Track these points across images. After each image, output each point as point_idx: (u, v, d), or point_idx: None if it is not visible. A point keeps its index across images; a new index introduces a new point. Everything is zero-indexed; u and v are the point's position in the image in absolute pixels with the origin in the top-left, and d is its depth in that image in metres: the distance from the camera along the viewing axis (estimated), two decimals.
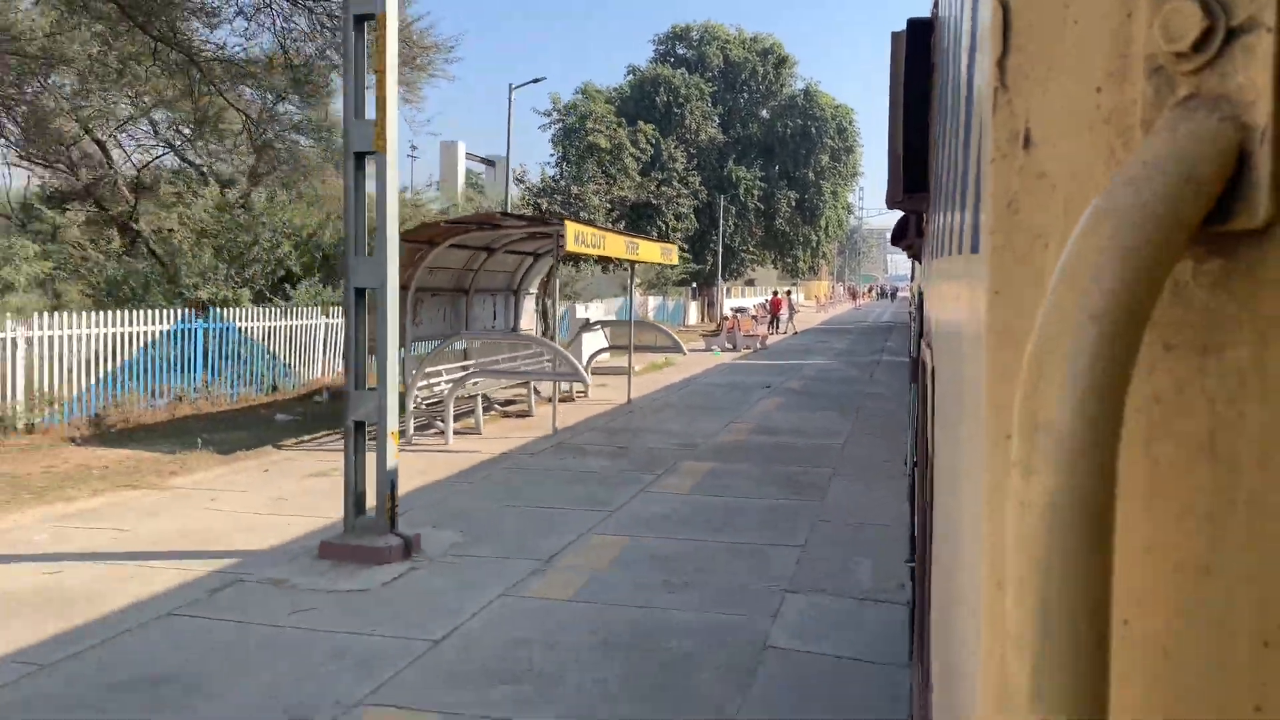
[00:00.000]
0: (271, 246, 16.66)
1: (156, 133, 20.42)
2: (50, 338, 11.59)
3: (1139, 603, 0.48)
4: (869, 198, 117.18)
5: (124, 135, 20.33)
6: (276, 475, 9.93)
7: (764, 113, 47.69)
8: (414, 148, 43.35)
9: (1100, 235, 0.42)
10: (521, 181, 27.67)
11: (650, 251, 14.77)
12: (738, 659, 5.11)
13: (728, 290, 47.53)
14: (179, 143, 20.56)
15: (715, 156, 44.60)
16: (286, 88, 15.52)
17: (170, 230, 17.31)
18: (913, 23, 2.12)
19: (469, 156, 43.98)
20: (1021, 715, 0.40)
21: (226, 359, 14.48)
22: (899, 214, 4.66)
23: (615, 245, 13.07)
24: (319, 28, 15.14)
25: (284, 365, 15.67)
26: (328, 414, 13.90)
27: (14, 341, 11.14)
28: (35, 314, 11.51)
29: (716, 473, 10.20)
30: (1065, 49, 0.51)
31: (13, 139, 18.21)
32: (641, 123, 36.83)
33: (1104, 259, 0.41)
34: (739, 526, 7.93)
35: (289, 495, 8.97)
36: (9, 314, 11.21)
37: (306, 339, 16.25)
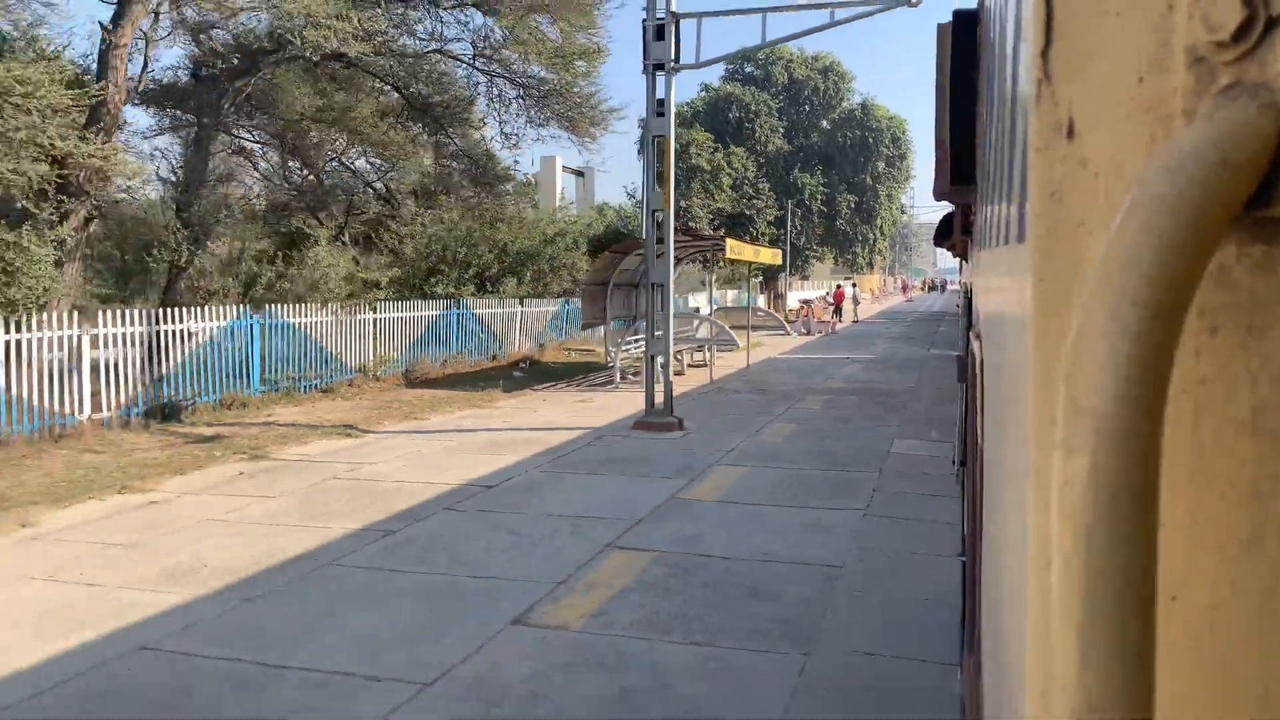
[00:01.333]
0: (480, 255, 22.58)
1: (353, 171, 26.41)
2: (385, 319, 17.57)
3: (1186, 578, 0.49)
4: (919, 196, 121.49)
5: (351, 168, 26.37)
6: (553, 403, 15.73)
7: (825, 124, 52.98)
8: (515, 162, 49.29)
9: (1139, 221, 0.42)
10: (633, 196, 33.77)
11: (766, 254, 20.40)
12: (876, 456, 10.75)
13: (789, 284, 52.98)
14: (378, 179, 26.56)
15: (782, 165, 50.05)
16: (494, 143, 21.45)
17: (399, 242, 23.24)
18: (959, 14, 2.14)
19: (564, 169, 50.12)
20: (1071, 684, 0.41)
21: (467, 335, 20.40)
22: (947, 209, 5.17)
23: (750, 252, 18.71)
24: (523, 107, 20.96)
25: (498, 341, 21.58)
26: (541, 374, 19.76)
27: (368, 321, 17.10)
28: (379, 302, 17.49)
29: (832, 401, 15.82)
30: (1107, 40, 0.52)
31: (284, 176, 24.26)
32: (734, 147, 42.61)
33: (1143, 244, 0.42)
34: (857, 422, 13.56)
35: (575, 411, 14.75)
36: (369, 303, 17.16)
37: (510, 322, 22.15)
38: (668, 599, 5.98)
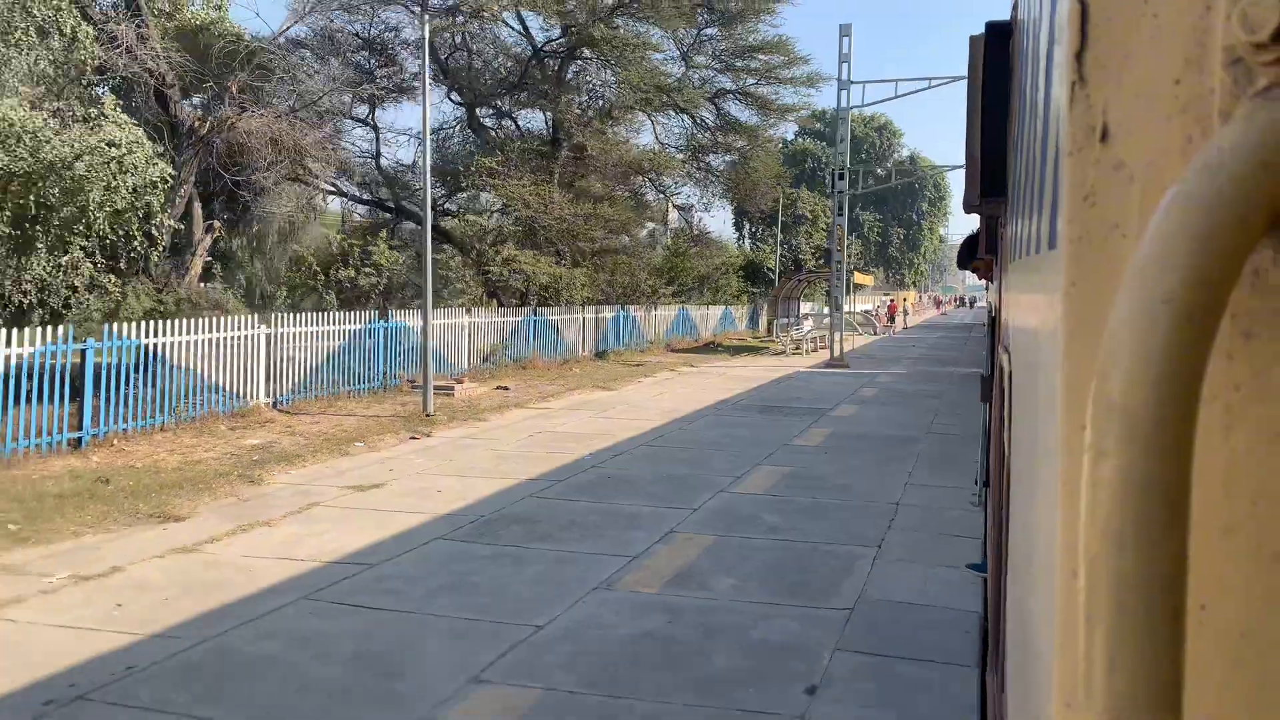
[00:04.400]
0: (680, 276, 36.05)
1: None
2: (660, 314, 30.98)
3: (1216, 587, 0.48)
4: (954, 227, 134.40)
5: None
6: (759, 360, 28.94)
7: (879, 170, 66.21)
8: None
9: (1174, 221, 0.42)
10: (754, 231, 47.21)
11: (870, 279, 33.53)
12: (948, 375, 23.95)
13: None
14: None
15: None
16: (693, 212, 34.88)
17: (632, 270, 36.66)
18: (991, 26, 2.18)
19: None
20: (1098, 689, 0.41)
21: (683, 326, 33.81)
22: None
23: (860, 277, 31.86)
24: (715, 187, 34.36)
25: (697, 330, 34.98)
26: (729, 350, 33.03)
27: (655, 317, 30.52)
28: (652, 306, 30.96)
29: (917, 360, 29.01)
30: (1143, 42, 0.52)
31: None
32: (815, 194, 56.24)
33: (1178, 245, 0.41)
34: (936, 366, 26.72)
35: (779, 364, 27.94)
36: (655, 304, 30.55)
37: (703, 319, 35.55)
38: (890, 398, 19.23)
